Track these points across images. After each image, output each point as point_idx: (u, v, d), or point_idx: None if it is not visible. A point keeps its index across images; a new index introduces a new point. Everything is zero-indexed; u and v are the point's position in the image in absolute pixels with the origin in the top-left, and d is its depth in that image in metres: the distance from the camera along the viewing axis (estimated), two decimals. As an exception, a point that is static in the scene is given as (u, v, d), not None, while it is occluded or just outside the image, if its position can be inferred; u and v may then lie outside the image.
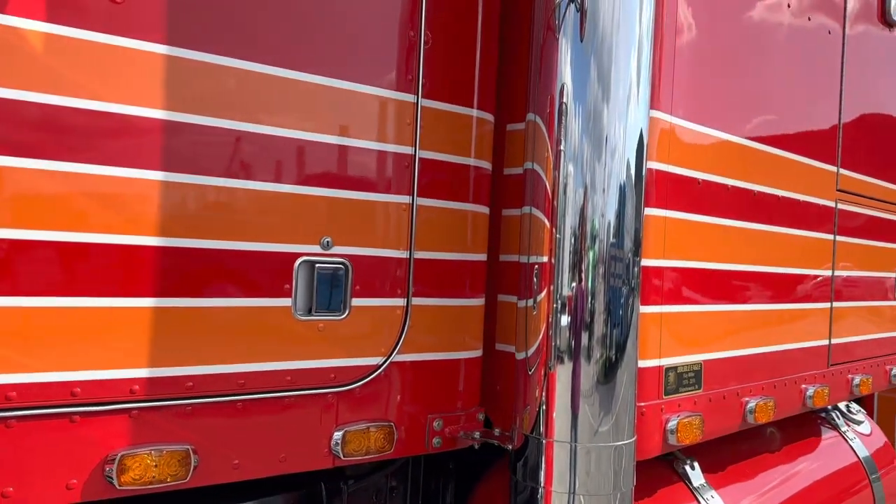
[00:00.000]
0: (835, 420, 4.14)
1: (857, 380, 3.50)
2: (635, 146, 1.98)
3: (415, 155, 2.10)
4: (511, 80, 2.35)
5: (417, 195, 2.11)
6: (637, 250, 1.99)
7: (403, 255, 2.08)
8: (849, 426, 4.25)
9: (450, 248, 2.21)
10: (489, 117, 2.30)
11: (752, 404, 2.70)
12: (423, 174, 2.14)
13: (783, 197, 2.91)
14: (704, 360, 2.49)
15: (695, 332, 2.46)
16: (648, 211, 2.22)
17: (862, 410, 4.43)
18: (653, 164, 2.24)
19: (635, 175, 1.97)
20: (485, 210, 2.31)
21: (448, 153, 2.20)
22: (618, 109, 1.94)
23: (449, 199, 2.21)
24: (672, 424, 2.31)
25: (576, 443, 1.92)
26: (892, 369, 3.93)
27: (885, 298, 3.81)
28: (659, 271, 2.28)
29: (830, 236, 3.24)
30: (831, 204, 3.24)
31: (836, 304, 3.29)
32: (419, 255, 2.12)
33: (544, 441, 1.93)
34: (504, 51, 2.35)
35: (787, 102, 2.94)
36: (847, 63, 3.29)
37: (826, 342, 3.25)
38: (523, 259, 2.04)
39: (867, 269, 3.58)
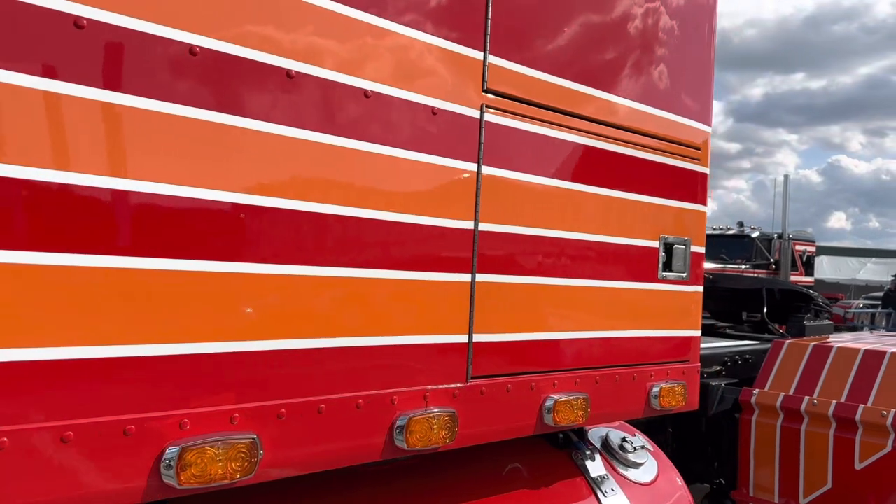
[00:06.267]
0: (583, 461, 2.83)
1: (549, 402, 2.19)
2: None
3: None
4: None
5: None
6: None
7: None
8: (615, 471, 2.92)
9: None
10: None
11: (172, 453, 1.39)
12: None
13: (320, 78, 1.64)
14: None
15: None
16: None
17: (647, 446, 3.09)
18: None
19: None
20: None
21: None
22: None
23: None
24: None
25: None
26: (652, 388, 2.62)
27: (626, 277, 2.50)
28: None
29: (464, 164, 1.96)
30: (468, 111, 1.96)
31: (484, 276, 2.00)
32: None
33: None
34: None
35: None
36: None
37: (462, 338, 1.96)
38: None
39: (574, 229, 2.28)
